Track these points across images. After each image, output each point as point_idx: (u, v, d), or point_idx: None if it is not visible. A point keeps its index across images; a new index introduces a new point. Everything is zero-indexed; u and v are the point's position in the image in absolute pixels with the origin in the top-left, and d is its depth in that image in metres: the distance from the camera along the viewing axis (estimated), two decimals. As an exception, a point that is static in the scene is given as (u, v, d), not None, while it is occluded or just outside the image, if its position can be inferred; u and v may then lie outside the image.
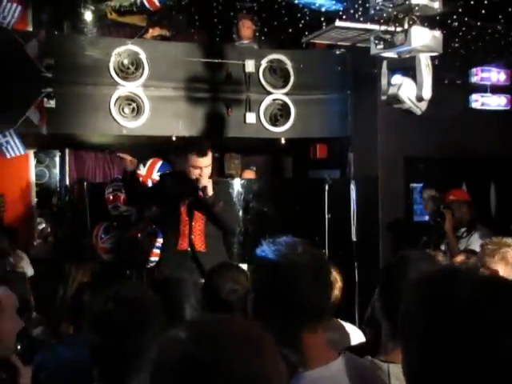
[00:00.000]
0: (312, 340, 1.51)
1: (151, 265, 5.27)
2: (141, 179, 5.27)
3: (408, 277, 1.75)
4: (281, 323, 1.49)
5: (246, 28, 6.17)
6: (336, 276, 2.86)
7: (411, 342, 1.12)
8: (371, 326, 2.32)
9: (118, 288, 1.82)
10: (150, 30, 6.44)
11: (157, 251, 5.17)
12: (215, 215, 4.18)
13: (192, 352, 0.94)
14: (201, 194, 4.11)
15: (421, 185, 5.66)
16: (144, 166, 5.46)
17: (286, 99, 5.77)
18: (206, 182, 4.10)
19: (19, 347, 2.28)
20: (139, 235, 5.42)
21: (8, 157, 4.99)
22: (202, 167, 4.13)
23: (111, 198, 5.41)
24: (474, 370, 1.02)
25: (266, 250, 1.56)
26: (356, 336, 2.74)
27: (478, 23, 4.74)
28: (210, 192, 4.10)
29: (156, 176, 5.35)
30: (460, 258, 3.67)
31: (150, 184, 5.32)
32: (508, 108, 5.91)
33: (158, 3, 5.73)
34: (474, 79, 5.78)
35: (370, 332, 2.36)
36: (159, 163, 5.44)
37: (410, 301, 1.15)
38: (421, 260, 1.87)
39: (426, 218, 5.38)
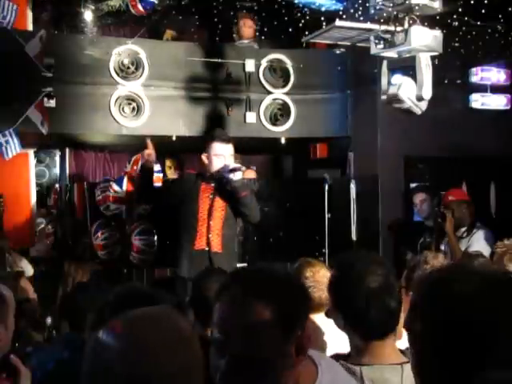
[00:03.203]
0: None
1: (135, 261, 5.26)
2: (126, 176, 5.24)
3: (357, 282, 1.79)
4: None
5: (248, 27, 6.16)
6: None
7: (422, 341, 1.12)
8: None
9: (128, 285, 1.82)
10: (168, 31, 6.45)
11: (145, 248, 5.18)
12: (242, 201, 4.04)
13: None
14: (231, 176, 3.95)
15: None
16: (129, 162, 5.44)
17: (286, 99, 5.77)
18: (237, 164, 4.00)
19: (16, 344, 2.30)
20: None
21: (6, 158, 4.98)
22: (226, 156, 4.04)
23: (101, 198, 5.41)
24: (476, 367, 1.02)
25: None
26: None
27: (478, 23, 4.74)
28: (240, 174, 3.98)
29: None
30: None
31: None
32: (508, 108, 5.90)
33: (141, 9, 5.73)
34: (474, 79, 5.78)
35: None
36: None
37: (418, 300, 1.16)
38: (364, 259, 1.88)
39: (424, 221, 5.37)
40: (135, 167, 5.34)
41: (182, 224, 4.21)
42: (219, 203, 4.13)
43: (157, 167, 5.40)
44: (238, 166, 4.02)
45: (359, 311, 1.75)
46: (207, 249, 4.07)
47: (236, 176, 3.98)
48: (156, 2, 5.73)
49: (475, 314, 1.05)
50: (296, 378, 1.37)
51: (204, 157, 4.13)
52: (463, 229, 4.89)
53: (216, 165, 4.04)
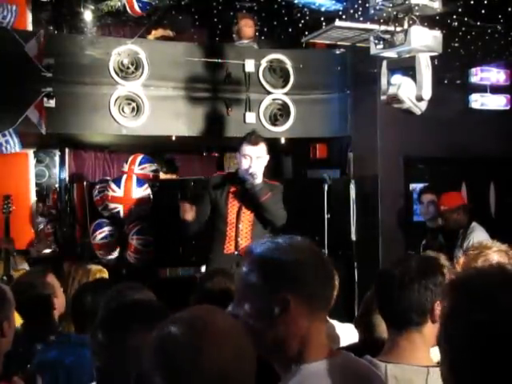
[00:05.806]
0: (317, 330, 1.45)
1: (131, 261, 5.25)
2: (124, 176, 5.22)
3: (411, 281, 1.77)
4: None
5: (248, 27, 6.15)
6: None
7: (459, 345, 1.10)
8: (363, 325, 2.31)
9: (122, 289, 1.82)
10: (153, 32, 6.43)
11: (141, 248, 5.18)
12: (262, 205, 4.05)
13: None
14: (250, 180, 3.99)
15: (420, 185, 5.66)
16: (126, 163, 5.43)
17: (286, 99, 5.77)
18: (256, 169, 4.00)
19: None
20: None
21: (5, 152, 4.97)
22: (252, 157, 4.03)
23: (99, 198, 5.40)
24: None
25: (262, 248, 1.56)
26: (350, 336, 2.74)
27: (478, 23, 4.75)
28: (259, 179, 4.00)
29: (138, 170, 5.30)
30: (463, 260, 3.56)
31: (134, 179, 5.22)
32: (507, 108, 5.91)
33: (139, 10, 5.72)
34: (474, 79, 5.79)
35: (362, 330, 2.35)
36: (140, 157, 5.40)
37: (457, 301, 1.14)
38: (426, 263, 1.86)
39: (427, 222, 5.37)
40: (132, 167, 5.33)
41: (211, 227, 4.22)
42: (248, 205, 4.11)
43: (154, 167, 5.41)
44: (255, 171, 4.01)
45: (389, 293, 1.78)
46: (236, 253, 4.06)
47: (256, 180, 3.99)
48: (153, 2, 5.72)
49: None
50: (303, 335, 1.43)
51: (237, 156, 4.19)
52: (461, 230, 4.92)
53: (242, 165, 4.08)
